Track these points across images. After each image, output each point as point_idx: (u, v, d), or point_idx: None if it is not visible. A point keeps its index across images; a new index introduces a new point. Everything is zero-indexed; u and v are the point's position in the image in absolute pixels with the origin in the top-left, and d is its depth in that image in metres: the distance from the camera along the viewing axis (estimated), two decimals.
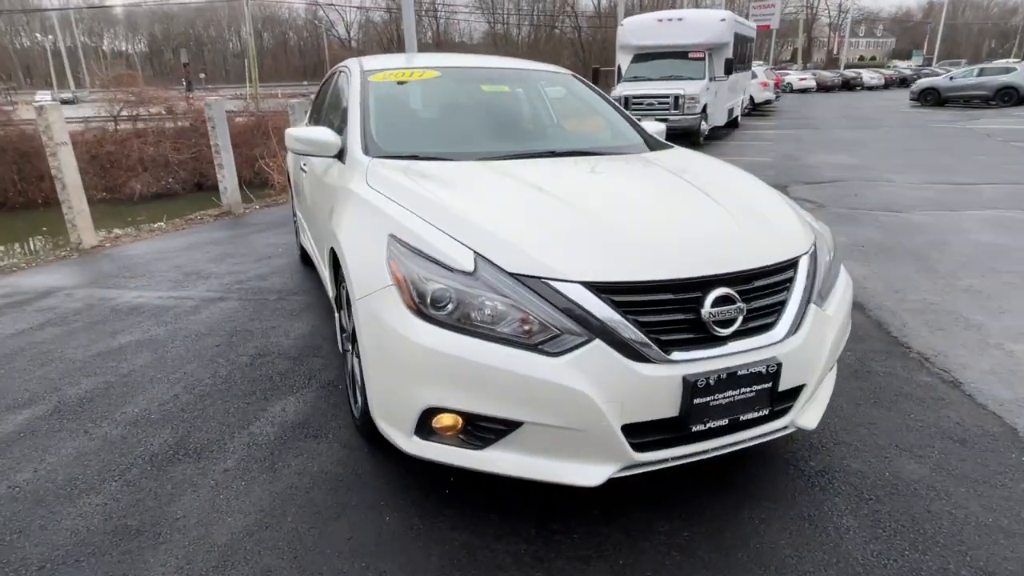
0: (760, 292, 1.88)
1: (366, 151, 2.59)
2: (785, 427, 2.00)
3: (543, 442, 1.76)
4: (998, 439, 2.44)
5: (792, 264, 1.97)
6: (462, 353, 1.71)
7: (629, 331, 1.71)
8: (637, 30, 13.72)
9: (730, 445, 1.92)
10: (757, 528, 1.95)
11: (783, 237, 2.05)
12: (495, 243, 1.82)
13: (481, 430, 1.79)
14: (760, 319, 1.87)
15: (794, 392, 1.95)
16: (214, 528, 1.92)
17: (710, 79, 12.73)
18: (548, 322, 1.70)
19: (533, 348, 1.70)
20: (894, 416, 2.59)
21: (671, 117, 12.20)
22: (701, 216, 2.11)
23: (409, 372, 1.79)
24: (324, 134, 2.75)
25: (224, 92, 31.94)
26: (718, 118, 13.82)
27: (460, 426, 1.80)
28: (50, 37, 47.66)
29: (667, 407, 1.74)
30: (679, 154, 2.93)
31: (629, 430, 1.75)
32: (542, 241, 1.84)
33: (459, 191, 2.18)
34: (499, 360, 1.69)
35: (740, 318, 1.80)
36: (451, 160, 2.53)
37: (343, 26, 59.36)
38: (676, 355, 1.73)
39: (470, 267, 1.77)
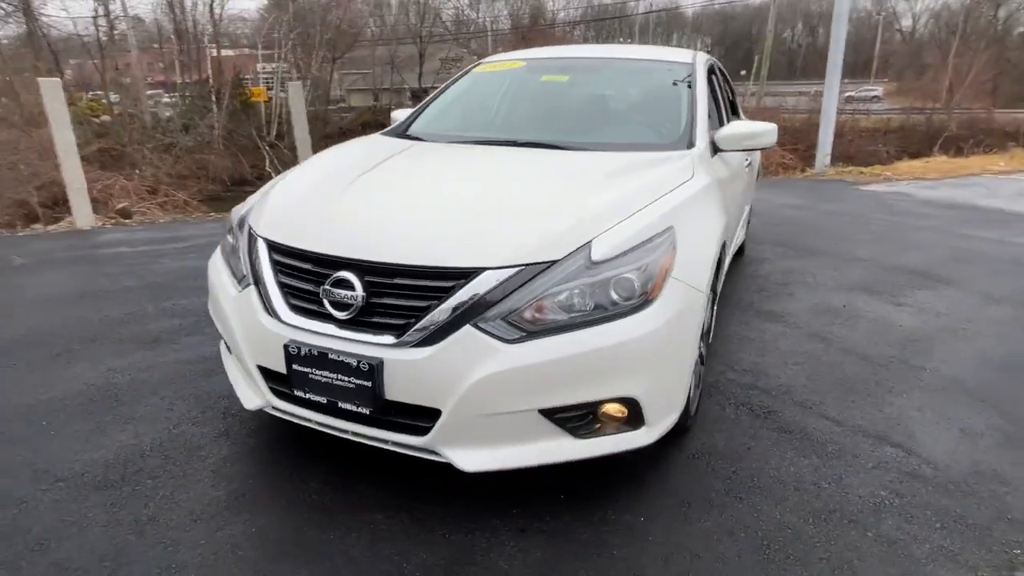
0: (397, 290, 1.76)
1: (402, 131, 3.12)
2: (429, 452, 1.81)
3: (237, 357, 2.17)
4: None
5: (461, 274, 1.72)
6: (212, 278, 2.25)
7: (268, 285, 1.94)
8: None
9: (363, 437, 1.89)
10: None
11: (478, 245, 1.76)
12: (263, 199, 2.25)
13: None
14: (395, 317, 1.76)
15: (430, 414, 1.75)
16: (123, 374, 2.79)
17: None
18: (245, 264, 2.08)
19: (239, 283, 2.11)
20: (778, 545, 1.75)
21: None
22: (447, 207, 2.02)
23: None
24: (400, 114, 3.38)
25: (738, 89, 32.99)
26: None
27: None
28: (629, 40, 57.77)
29: (279, 362, 1.90)
30: (662, 158, 2.42)
31: (273, 377, 1.98)
32: (283, 203, 2.17)
33: (345, 161, 2.58)
34: (219, 287, 2.17)
35: (356, 305, 1.77)
36: (428, 141, 2.85)
37: (910, 17, 51.89)
38: (285, 317, 1.87)
39: (243, 213, 2.27)
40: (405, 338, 1.72)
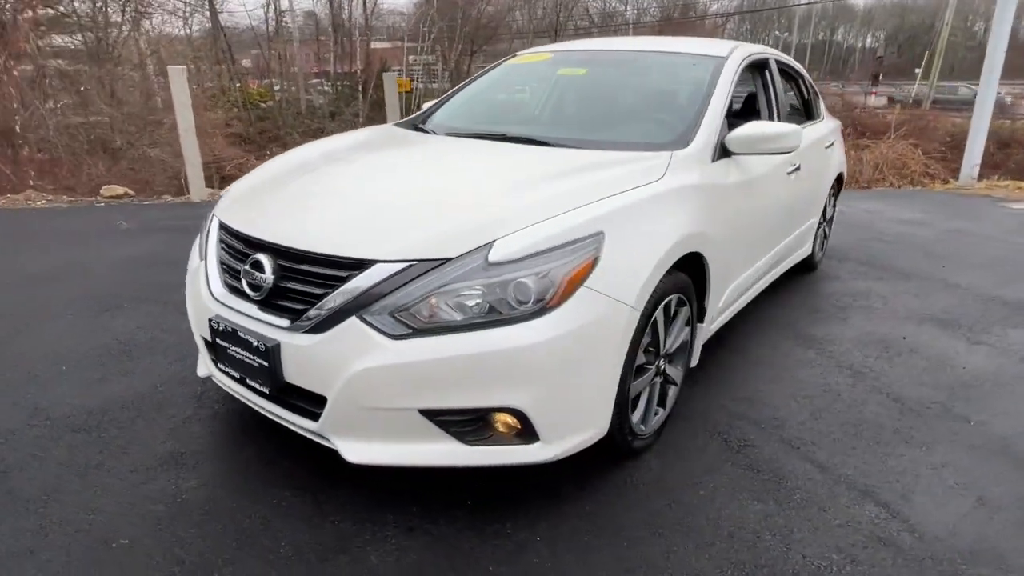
0: (302, 276, 1.79)
1: (414, 121, 3.16)
2: (323, 436, 1.82)
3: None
4: None
5: (354, 265, 1.71)
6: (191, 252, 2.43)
7: (211, 261, 2.06)
8: None
9: (275, 416, 1.94)
10: None
11: (374, 238, 1.75)
12: (236, 182, 2.39)
13: None
14: (296, 303, 1.80)
15: (321, 400, 1.77)
16: (147, 332, 3.09)
17: None
18: (202, 240, 2.22)
19: (199, 257, 2.26)
20: None
21: None
22: (369, 198, 2.02)
23: None
24: (424, 106, 3.43)
25: (905, 87, 29.77)
26: None
27: None
28: (786, 34, 53.88)
29: (208, 333, 2.01)
30: (632, 158, 2.24)
31: (212, 349, 2.10)
32: (245, 186, 2.30)
33: (325, 149, 2.66)
34: (189, 260, 2.34)
35: (265, 288, 1.82)
36: (430, 132, 2.86)
37: None
38: (217, 293, 1.97)
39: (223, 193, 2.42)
40: (298, 323, 1.75)
